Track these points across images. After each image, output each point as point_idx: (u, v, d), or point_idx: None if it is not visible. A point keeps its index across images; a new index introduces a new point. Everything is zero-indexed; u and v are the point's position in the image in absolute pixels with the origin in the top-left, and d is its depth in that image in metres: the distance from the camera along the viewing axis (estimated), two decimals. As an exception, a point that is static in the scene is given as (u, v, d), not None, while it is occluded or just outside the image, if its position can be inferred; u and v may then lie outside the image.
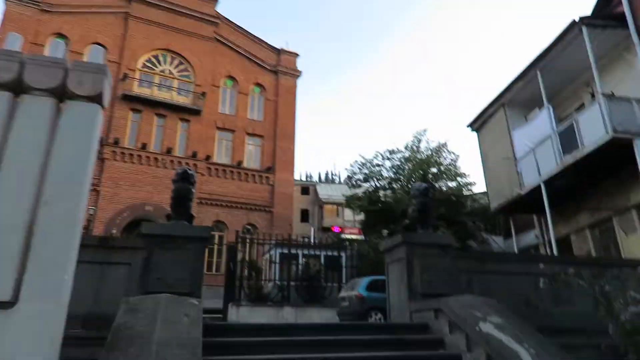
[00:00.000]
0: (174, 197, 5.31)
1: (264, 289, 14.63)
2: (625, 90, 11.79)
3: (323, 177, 71.33)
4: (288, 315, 13.89)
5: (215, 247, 25.64)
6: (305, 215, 52.02)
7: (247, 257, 15.32)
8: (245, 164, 27.34)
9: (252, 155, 28.09)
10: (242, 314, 13.50)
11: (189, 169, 5.97)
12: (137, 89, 25.41)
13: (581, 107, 14.26)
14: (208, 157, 26.04)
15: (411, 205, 6.03)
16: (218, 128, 27.32)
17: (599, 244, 13.47)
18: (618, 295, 4.61)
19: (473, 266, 5.81)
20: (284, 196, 27.71)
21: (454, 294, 5.47)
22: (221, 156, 27.04)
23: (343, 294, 12.80)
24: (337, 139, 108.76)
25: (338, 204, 48.65)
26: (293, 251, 15.39)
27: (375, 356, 4.24)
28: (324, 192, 53.69)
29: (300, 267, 15.40)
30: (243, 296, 14.40)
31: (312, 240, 26.78)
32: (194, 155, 25.40)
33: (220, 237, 25.92)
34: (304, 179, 59.81)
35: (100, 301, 4.34)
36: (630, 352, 4.49)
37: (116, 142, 23.85)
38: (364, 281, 12.27)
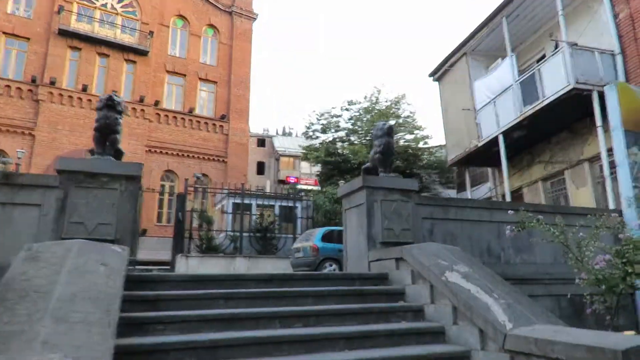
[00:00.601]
0: (97, 128, 4.51)
1: (215, 240, 14.03)
2: (588, 41, 11.56)
3: (280, 131, 69.90)
4: (240, 266, 13.44)
5: (166, 197, 24.61)
6: (261, 168, 51.21)
7: (197, 207, 14.56)
8: (197, 112, 25.91)
9: (205, 102, 26.62)
10: (191, 266, 12.92)
11: (116, 95, 5.12)
12: (75, 24, 23.02)
13: (542, 58, 14.03)
14: (157, 103, 24.39)
15: (373, 147, 5.48)
16: (168, 72, 25.51)
17: (550, 197, 13.68)
18: (589, 244, 4.32)
19: (436, 213, 5.42)
20: (239, 146, 26.69)
21: (416, 242, 5.07)
22: (171, 102, 25.43)
23: (297, 244, 12.42)
24: (297, 91, 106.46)
25: (295, 157, 48.11)
26: (246, 201, 14.76)
27: (329, 310, 3.78)
28: (280, 144, 52.78)
29: (253, 217, 14.86)
30: (193, 247, 13.78)
31: (267, 191, 26.19)
32: (141, 100, 23.70)
33: (171, 188, 24.86)
34: (261, 132, 58.29)
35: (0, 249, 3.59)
36: (597, 302, 4.28)
37: (52, 83, 21.76)
38: (319, 232, 11.91)
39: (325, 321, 3.65)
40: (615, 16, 11.01)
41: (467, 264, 4.04)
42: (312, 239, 11.88)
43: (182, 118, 25.17)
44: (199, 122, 25.66)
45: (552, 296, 5.83)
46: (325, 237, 11.64)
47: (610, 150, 10.76)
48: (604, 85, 10.67)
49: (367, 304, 4.05)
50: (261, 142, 53.24)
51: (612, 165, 10.60)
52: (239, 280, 4.14)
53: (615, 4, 11.05)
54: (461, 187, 21.91)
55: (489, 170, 16.45)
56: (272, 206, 15.39)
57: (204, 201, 21.47)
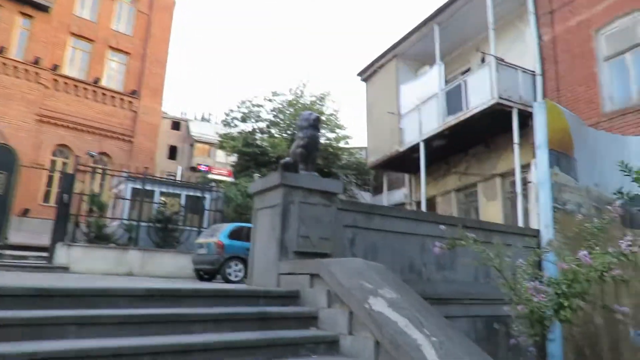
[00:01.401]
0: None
1: (106, 228, 12.39)
2: (512, 59, 11.78)
3: (199, 116, 66.38)
4: (133, 259, 11.99)
5: (57, 175, 21.84)
6: (173, 152, 48.37)
7: (88, 190, 12.77)
8: (104, 83, 23.35)
9: (114, 74, 24.08)
10: (73, 257, 11.24)
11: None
12: (-43, -38, 19.53)
13: (467, 71, 14.22)
14: (55, 67, 21.52)
15: (295, 139, 4.69)
16: (72, 34, 22.67)
17: (462, 208, 13.91)
18: (524, 271, 3.90)
19: (360, 221, 4.76)
20: (149, 126, 24.52)
21: (335, 254, 4.36)
22: (74, 69, 22.63)
23: (201, 239, 11.29)
24: (222, 78, 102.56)
25: (211, 144, 45.82)
26: (148, 187, 13.25)
27: (222, 342, 2.91)
28: (197, 129, 50.21)
29: (156, 206, 13.40)
30: (79, 235, 12.03)
31: (176, 179, 24.44)
32: (37, 61, 20.73)
33: (65, 165, 22.13)
34: (178, 115, 54.88)
35: None
36: (523, 333, 3.87)
37: None
38: (227, 228, 10.89)
39: (217, 358, 2.79)
40: (540, 38, 11.29)
41: (394, 288, 3.39)
42: (217, 234, 10.84)
43: (85, 88, 22.52)
44: (104, 94, 23.14)
45: (470, 317, 5.47)
46: (234, 234, 10.66)
47: (524, 167, 11.06)
48: (523, 104, 10.95)
49: (273, 332, 3.24)
50: (176, 125, 50.32)
51: (523, 183, 10.87)
52: (106, 297, 3.11)
53: (540, 27, 11.33)
54: (377, 191, 21.99)
55: (406, 176, 16.48)
56: (178, 195, 14.02)
57: (102, 183, 19.36)
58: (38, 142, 20.64)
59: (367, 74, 16.24)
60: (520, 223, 10.32)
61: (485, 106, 10.81)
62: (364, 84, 16.77)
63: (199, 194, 14.25)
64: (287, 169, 4.63)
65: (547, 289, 3.82)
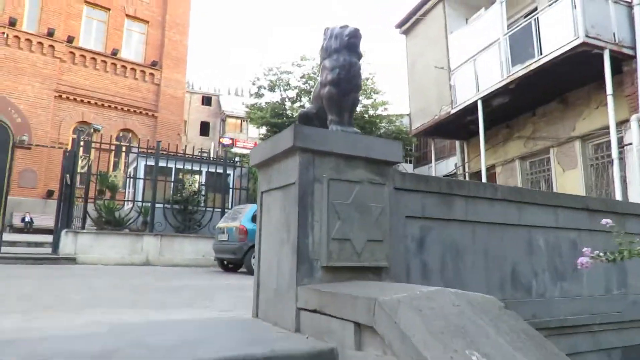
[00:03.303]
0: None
1: (119, 211, 10.99)
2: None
3: (233, 92, 64.90)
4: (149, 246, 10.57)
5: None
6: (205, 128, 47.43)
7: (96, 169, 11.37)
8: (123, 55, 21.96)
9: (133, 44, 22.64)
10: (81, 245, 9.90)
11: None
12: None
13: (533, 12, 11.72)
14: (71, 40, 20.24)
15: (321, 73, 2.78)
16: (87, 2, 21.26)
17: (528, 179, 11.69)
18: None
19: (432, 209, 2.88)
20: (173, 100, 23.09)
21: (394, 267, 2.53)
22: (90, 40, 21.30)
23: (222, 223, 9.69)
24: (253, 51, 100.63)
25: (242, 119, 44.37)
26: (164, 164, 11.72)
27: None
28: (228, 104, 48.86)
29: (173, 185, 11.90)
30: (89, 221, 10.69)
31: (200, 154, 23.08)
32: (50, 33, 19.47)
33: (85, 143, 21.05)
34: (211, 91, 53.51)
35: None
36: None
37: None
38: (250, 209, 9.21)
39: None
40: (638, -43, 8.73)
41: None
42: (240, 217, 9.20)
43: (104, 61, 21.19)
44: (124, 67, 21.76)
45: (601, 351, 3.54)
46: (257, 217, 8.96)
47: (620, 124, 8.74)
48: (617, 43, 8.55)
49: None
50: (207, 100, 49.24)
51: (619, 145, 8.57)
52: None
53: (638, -58, 8.75)
54: (420, 161, 19.85)
55: (457, 143, 14.29)
56: (199, 172, 12.44)
57: (116, 160, 18.13)
58: (58, 120, 19.58)
59: (408, 24, 13.94)
60: (618, 197, 8.09)
61: (567, 48, 8.48)
62: (403, 37, 14.49)
63: (222, 170, 12.62)
64: (308, 122, 2.78)
65: None
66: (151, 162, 11.56)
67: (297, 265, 2.40)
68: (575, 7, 8.44)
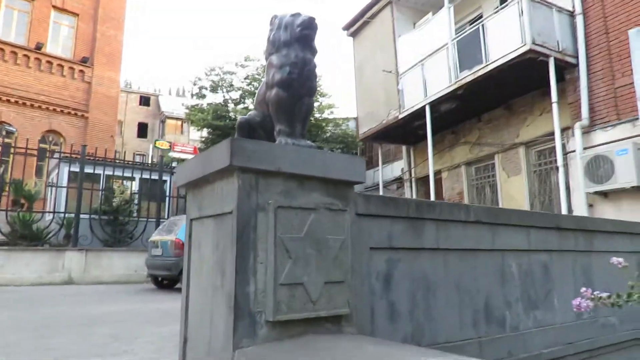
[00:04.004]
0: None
1: (36, 224, 9.78)
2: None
3: (174, 92, 62.13)
4: (72, 263, 9.47)
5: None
6: (143, 130, 45.26)
7: (8, 176, 10.08)
8: (49, 49, 20.12)
9: (61, 38, 20.82)
10: (-11, 263, 8.66)
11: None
12: None
13: (478, 19, 11.79)
14: (-14, 31, 18.26)
15: (267, 72, 2.22)
16: (5, -9, 19.29)
17: (473, 184, 11.71)
18: None
19: (399, 237, 2.41)
20: (106, 99, 21.48)
21: (358, 313, 2.03)
22: (10, 33, 19.33)
23: (155, 236, 8.83)
24: (196, 51, 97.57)
25: (184, 120, 42.69)
26: (92, 170, 10.61)
27: None
28: (168, 104, 46.93)
29: (102, 194, 10.80)
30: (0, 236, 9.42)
31: (133, 159, 21.71)
32: (-40, 23, 17.44)
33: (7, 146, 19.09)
34: (151, 91, 50.87)
35: None
36: None
37: None
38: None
39: None
40: (578, -33, 8.89)
41: None
42: (176, 230, 8.40)
43: (26, 55, 19.30)
44: (50, 62, 19.95)
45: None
46: (196, 229, 8.21)
47: (562, 132, 8.83)
48: (561, 52, 8.64)
49: None
50: (145, 100, 47.04)
51: (562, 153, 8.63)
52: None
53: (578, -48, 8.91)
54: (366, 166, 19.60)
55: (404, 148, 14.17)
56: (131, 179, 11.42)
57: (41, 165, 16.49)
58: (-30, 121, 17.53)
59: (356, 26, 13.65)
60: (563, 205, 8.14)
61: (514, 55, 8.45)
62: (351, 39, 14.20)
63: (157, 176, 11.66)
64: (250, 132, 2.22)
65: None
66: (76, 168, 10.42)
67: (235, 322, 1.82)
68: (522, 14, 8.43)
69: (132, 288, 8.91)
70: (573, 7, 8.79)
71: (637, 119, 7.45)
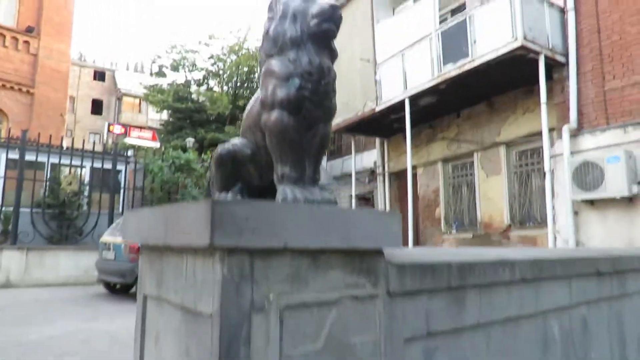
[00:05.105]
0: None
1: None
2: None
3: (132, 67, 58.57)
4: (10, 263, 8.38)
5: None
6: (98, 107, 42.78)
7: None
8: (-13, 16, 18.15)
9: (1, 4, 18.81)
10: None
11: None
12: None
13: (460, 9, 11.24)
14: None
15: (262, 87, 1.47)
16: None
17: (450, 182, 11.30)
18: None
19: (438, 317, 1.76)
20: (55, 73, 19.71)
21: None
22: (-59, -5, 17.24)
23: (108, 237, 7.89)
24: (160, 25, 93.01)
25: (142, 98, 40.60)
26: (33, 158, 9.41)
27: None
28: (125, 81, 44.51)
29: (46, 184, 9.64)
30: None
31: (82, 146, 20.20)
32: None
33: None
34: (107, 66, 47.76)
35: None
36: None
37: None
38: (145, 220, 7.52)
39: None
40: (571, -41, 8.43)
41: None
42: (131, 230, 7.48)
43: (-39, 22, 17.31)
44: (-11, 31, 18.01)
45: None
46: (154, 230, 7.35)
47: (536, 135, 8.49)
48: (551, 49, 8.20)
49: None
50: (100, 75, 44.42)
51: (542, 155, 8.25)
52: None
53: (571, -57, 8.44)
54: (334, 155, 19.01)
55: (377, 140, 13.60)
56: (81, 167, 10.28)
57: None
58: None
59: (332, 10, 12.81)
60: (549, 209, 7.80)
61: (504, 50, 7.93)
62: (326, 24, 13.35)
63: (111, 165, 10.56)
64: (233, 170, 1.49)
65: None
66: (15, 155, 9.21)
67: None
68: (513, 7, 7.90)
69: (82, 293, 7.97)
70: (565, 2, 8.34)
71: (630, 125, 7.13)
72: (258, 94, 1.62)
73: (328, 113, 1.52)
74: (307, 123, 1.44)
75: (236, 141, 1.62)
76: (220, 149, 1.61)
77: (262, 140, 1.51)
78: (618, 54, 7.62)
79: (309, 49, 1.45)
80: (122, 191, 10.55)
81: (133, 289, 7.76)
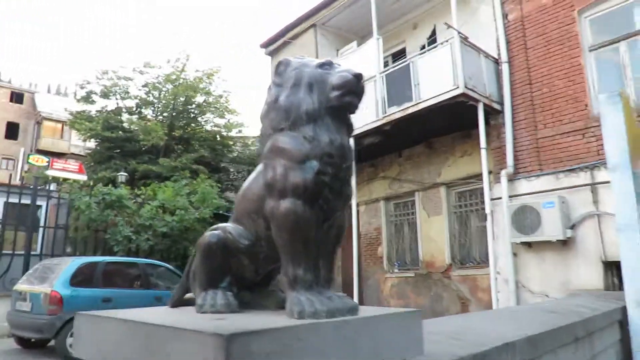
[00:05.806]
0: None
1: None
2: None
3: (54, 89, 54.70)
4: None
5: None
6: (13, 130, 39.49)
7: None
8: None
9: None
10: None
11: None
12: None
13: (400, 53, 11.70)
14: None
15: (272, 162, 1.23)
16: None
17: (392, 221, 11.40)
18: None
19: None
20: (-36, 96, 17.84)
21: None
22: None
23: (23, 285, 6.97)
24: (92, 51, 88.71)
25: (65, 122, 37.93)
26: None
27: None
28: (46, 104, 41.60)
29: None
30: None
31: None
32: None
33: None
34: (25, 86, 44.32)
35: None
36: None
37: None
38: (69, 266, 6.76)
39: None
40: (505, 17, 9.05)
41: None
42: (53, 277, 6.67)
43: None
44: None
45: None
46: (79, 277, 6.63)
47: (476, 177, 8.84)
48: (488, 97, 8.65)
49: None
50: (18, 97, 41.28)
51: (471, 195, 8.57)
52: None
53: (504, 3, 9.09)
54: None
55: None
56: (-7, 203, 9.16)
57: None
58: None
59: (275, 45, 12.82)
60: (490, 251, 8.02)
61: (446, 97, 8.24)
62: (269, 58, 13.32)
63: (29, 200, 9.51)
64: (224, 261, 1.12)
65: None
66: None
67: None
68: (454, 56, 8.27)
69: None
70: (499, 54, 8.89)
71: (561, 172, 7.59)
72: (257, 171, 1.37)
73: (347, 201, 1.30)
74: (325, 215, 1.21)
75: (229, 227, 1.34)
76: (210, 236, 1.32)
77: (265, 230, 1.26)
78: (548, 105, 8.16)
79: (327, 125, 1.24)
80: (41, 230, 9.49)
81: (51, 342, 6.87)
